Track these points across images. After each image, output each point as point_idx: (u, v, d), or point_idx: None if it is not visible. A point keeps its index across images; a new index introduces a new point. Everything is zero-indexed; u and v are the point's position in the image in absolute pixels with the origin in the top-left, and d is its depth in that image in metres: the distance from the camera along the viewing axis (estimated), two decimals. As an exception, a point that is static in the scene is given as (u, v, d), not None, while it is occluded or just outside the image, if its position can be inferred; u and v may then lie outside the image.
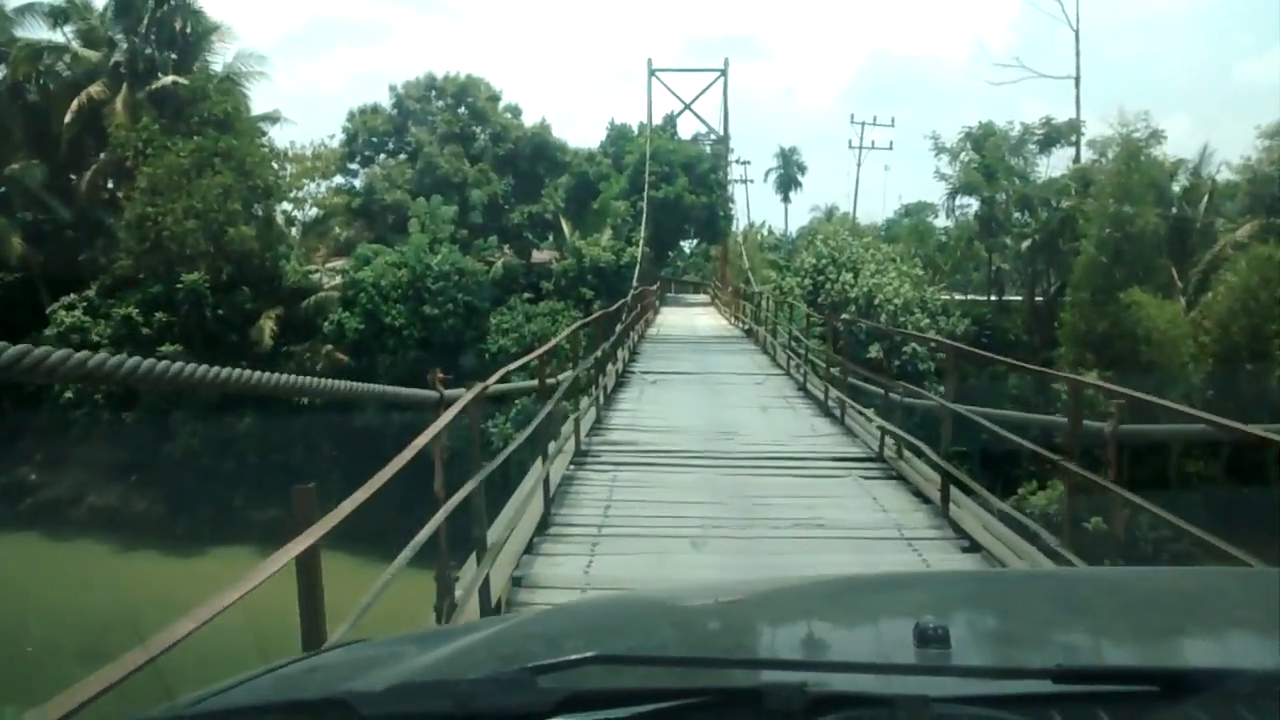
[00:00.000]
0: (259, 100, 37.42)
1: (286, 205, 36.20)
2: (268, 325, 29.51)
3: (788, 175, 74.39)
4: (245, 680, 1.51)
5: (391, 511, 5.24)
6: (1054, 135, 35.31)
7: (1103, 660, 1.55)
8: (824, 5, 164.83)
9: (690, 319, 33.01)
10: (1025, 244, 34.92)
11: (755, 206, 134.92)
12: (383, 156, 39.76)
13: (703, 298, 50.73)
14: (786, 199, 74.45)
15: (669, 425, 11.77)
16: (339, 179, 38.40)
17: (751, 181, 60.94)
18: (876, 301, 29.34)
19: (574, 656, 1.32)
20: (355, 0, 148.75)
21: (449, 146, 37.14)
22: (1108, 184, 30.41)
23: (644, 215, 36.62)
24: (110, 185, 34.56)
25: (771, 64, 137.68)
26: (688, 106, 50.60)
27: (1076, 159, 36.70)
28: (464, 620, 4.61)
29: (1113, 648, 1.66)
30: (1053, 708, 1.22)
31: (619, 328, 16.85)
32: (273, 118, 38.33)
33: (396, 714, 1.27)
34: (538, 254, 40.10)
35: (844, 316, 22.49)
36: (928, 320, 29.82)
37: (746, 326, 27.59)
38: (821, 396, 13.63)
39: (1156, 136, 29.59)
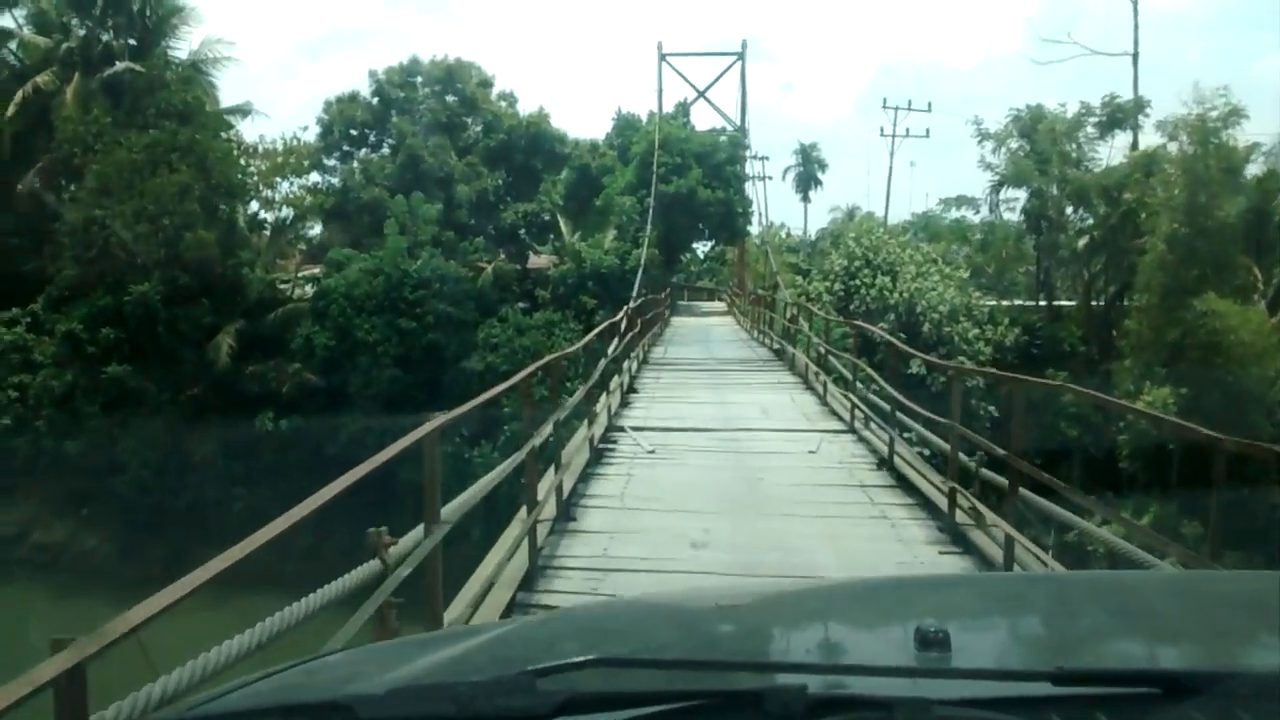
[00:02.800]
0: (230, 91, 35.14)
1: (255, 206, 33.90)
2: (225, 341, 27.07)
3: (808, 173, 72.55)
4: (244, 684, 1.53)
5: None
6: (1118, 116, 32.42)
7: (1103, 663, 1.55)
8: (839, 7, 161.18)
9: (705, 332, 30.06)
10: (1082, 241, 32.15)
11: (772, 207, 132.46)
12: (364, 151, 37.20)
13: (718, 305, 48.58)
14: (806, 198, 72.76)
15: (673, 582, 6.35)
16: (315, 176, 35.90)
17: (770, 178, 57.99)
18: (919, 309, 26.70)
19: (574, 659, 1.38)
20: (364, 8, 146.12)
21: (434, 138, 34.52)
22: (1178, 171, 27.68)
23: (650, 212, 33.71)
24: (65, 185, 32.10)
25: (785, 67, 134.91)
26: (701, 94, 48.12)
27: (1134, 145, 33.95)
28: None
29: (1112, 650, 1.66)
30: (1053, 710, 1.25)
31: (602, 364, 12.51)
32: (243, 110, 36.34)
33: (396, 717, 1.30)
34: (535, 258, 37.65)
35: (881, 328, 19.77)
36: (976, 330, 27.16)
37: (775, 345, 23.55)
38: (933, 491, 8.47)
39: (1237, 114, 26.72)
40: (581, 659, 1.39)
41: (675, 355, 22.97)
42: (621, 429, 12.29)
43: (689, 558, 7.06)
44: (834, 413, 14.04)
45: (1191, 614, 1.84)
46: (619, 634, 1.83)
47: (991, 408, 26.21)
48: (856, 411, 12.59)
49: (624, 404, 14.58)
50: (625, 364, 16.31)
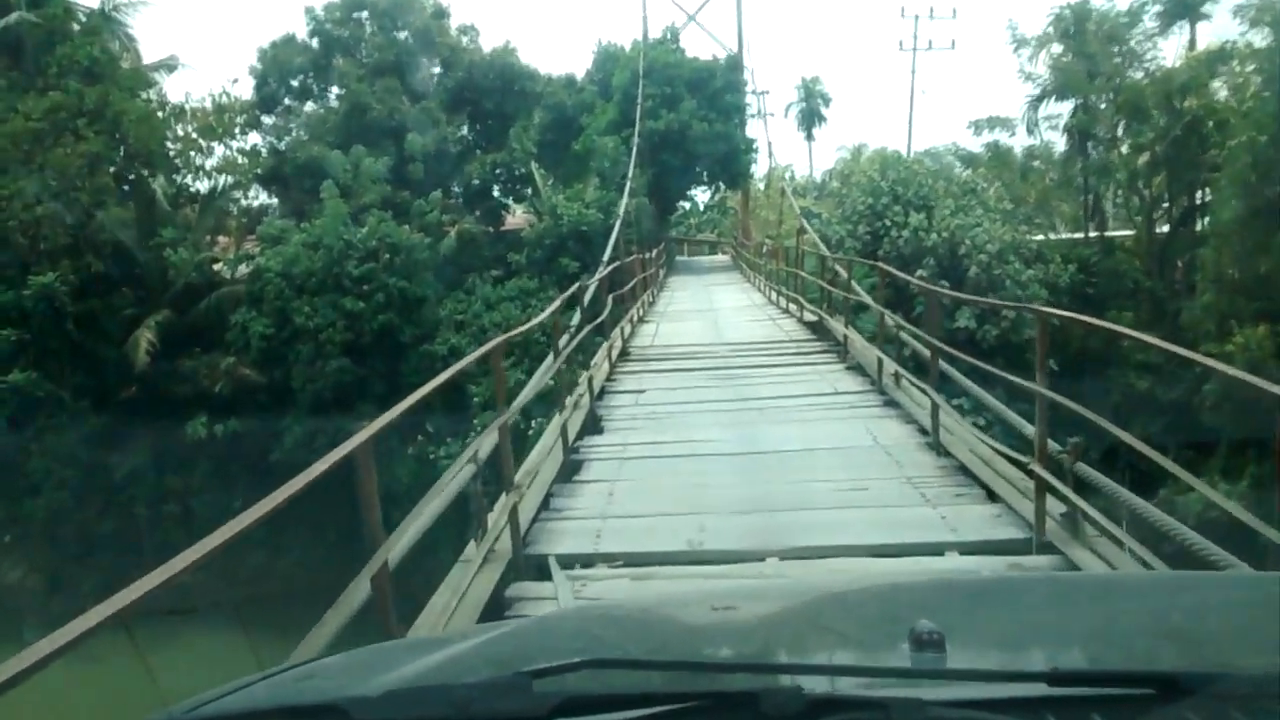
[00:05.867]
0: (155, 44, 31.63)
1: (188, 175, 30.52)
2: (144, 336, 23.94)
3: (810, 109, 68.61)
4: (239, 687, 1.59)
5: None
6: (1186, 2, 28.65)
7: (1098, 663, 1.63)
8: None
9: (708, 297, 26.01)
10: (1142, 158, 28.60)
11: (774, 148, 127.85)
12: (309, 105, 33.54)
13: (721, 259, 45.38)
14: (810, 136, 68.88)
15: None
16: (256, 137, 32.36)
17: (771, 115, 54.20)
18: (962, 250, 23.33)
19: (570, 660, 1.41)
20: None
21: (382, 80, 30.80)
22: (1254, 67, 24.39)
23: (635, 151, 29.90)
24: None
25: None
26: (691, 18, 45.06)
27: (1192, 44, 30.40)
28: None
29: (1107, 651, 1.72)
30: (1048, 711, 1.30)
31: (484, 443, 6.18)
32: (168, 65, 32.84)
33: (392, 719, 1.34)
34: (512, 218, 34.20)
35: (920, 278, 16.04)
36: (1030, 271, 23.92)
37: (808, 315, 17.83)
38: None
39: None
40: (577, 660, 1.40)
41: (670, 339, 17.31)
42: (544, 563, 6.32)
43: None
44: (965, 470, 7.87)
45: (1186, 615, 1.86)
46: (614, 635, 1.86)
47: (1051, 361, 23.03)
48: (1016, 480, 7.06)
49: (569, 466, 8.58)
50: (584, 378, 11.13)
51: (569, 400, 9.71)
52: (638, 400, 11.74)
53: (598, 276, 14.87)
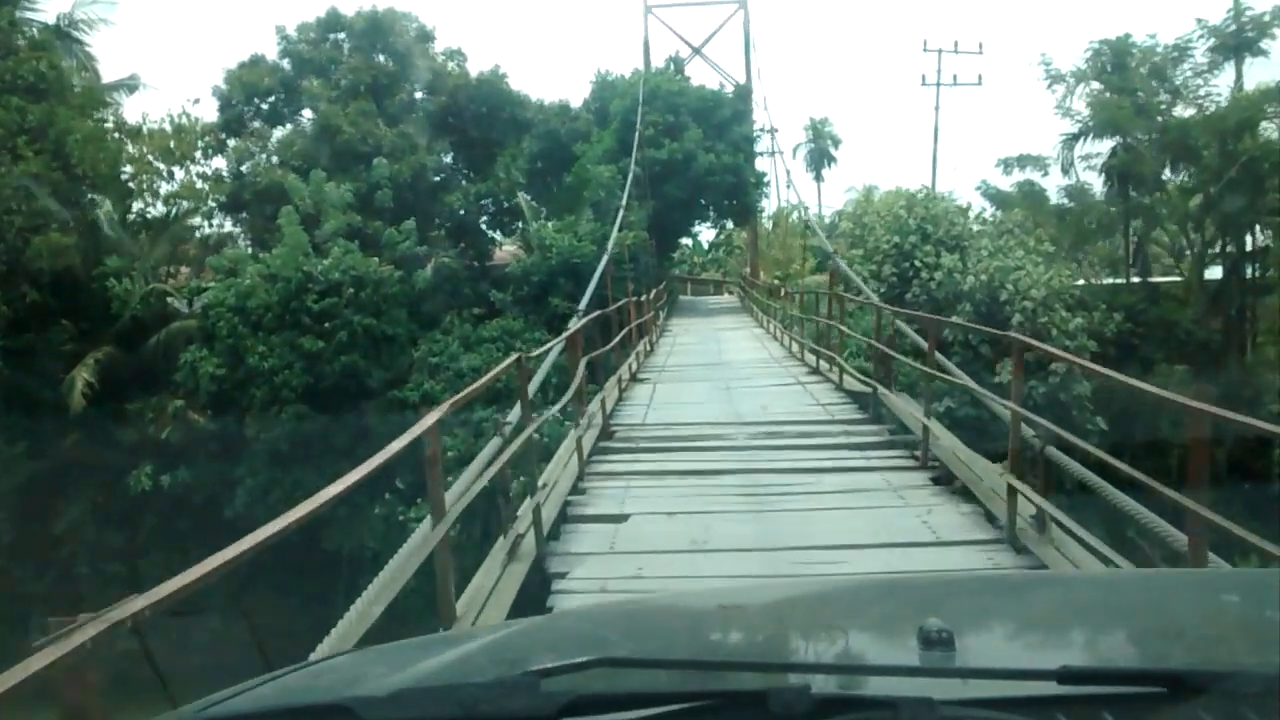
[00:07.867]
0: (117, 63, 30.05)
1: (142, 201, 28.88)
2: (81, 376, 22.06)
3: (819, 150, 69.77)
4: (248, 688, 1.61)
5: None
6: (1247, 35, 26.97)
7: (1108, 662, 1.62)
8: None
9: (717, 346, 23.35)
10: (1193, 201, 26.98)
11: (782, 189, 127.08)
12: (278, 129, 31.75)
13: (728, 300, 44.08)
14: (819, 177, 69.77)
15: None
16: (220, 161, 30.67)
17: (781, 153, 53.21)
18: (1003, 296, 21.53)
19: (578, 660, 1.41)
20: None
21: (355, 103, 29.00)
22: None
23: (631, 179, 27.95)
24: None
25: (796, 22, 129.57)
26: (697, 51, 44.94)
27: (1239, 83, 28.76)
28: None
29: (1118, 649, 1.72)
30: (1058, 710, 1.30)
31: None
32: (129, 85, 31.11)
33: (400, 719, 1.34)
34: (500, 253, 32.36)
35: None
36: (1078, 320, 22.18)
37: (848, 380, 14.42)
38: None
39: None
40: (585, 660, 1.41)
41: (668, 413, 13.40)
42: None
43: None
44: None
45: (1197, 612, 1.86)
46: (623, 635, 1.89)
47: (1100, 419, 21.33)
48: None
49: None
50: (526, 507, 7.18)
51: (483, 579, 6.34)
52: (614, 541, 7.68)
53: (563, 337, 11.30)
